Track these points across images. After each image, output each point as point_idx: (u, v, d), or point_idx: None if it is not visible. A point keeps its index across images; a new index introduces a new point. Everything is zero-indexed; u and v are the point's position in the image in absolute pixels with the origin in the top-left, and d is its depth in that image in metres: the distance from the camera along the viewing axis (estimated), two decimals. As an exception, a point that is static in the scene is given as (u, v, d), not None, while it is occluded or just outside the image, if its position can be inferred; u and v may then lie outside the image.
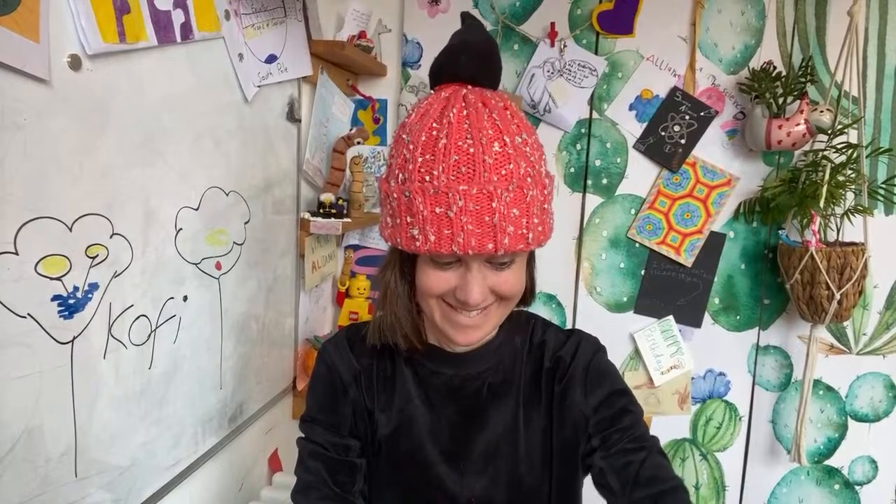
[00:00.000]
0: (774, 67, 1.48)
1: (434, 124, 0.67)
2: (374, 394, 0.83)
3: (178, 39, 0.93)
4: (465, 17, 0.75)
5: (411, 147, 0.67)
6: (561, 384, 0.81)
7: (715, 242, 1.61)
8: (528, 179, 0.66)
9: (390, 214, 0.71)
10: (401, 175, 0.68)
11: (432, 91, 0.72)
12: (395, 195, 0.68)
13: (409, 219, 0.67)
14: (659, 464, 0.74)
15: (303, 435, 0.84)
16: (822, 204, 1.37)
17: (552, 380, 0.82)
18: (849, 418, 1.61)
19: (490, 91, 0.70)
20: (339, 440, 0.81)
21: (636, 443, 0.75)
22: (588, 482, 0.82)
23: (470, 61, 0.69)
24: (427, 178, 0.65)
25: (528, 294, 0.81)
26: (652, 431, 0.82)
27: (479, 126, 0.65)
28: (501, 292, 0.71)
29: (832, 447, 1.62)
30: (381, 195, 0.73)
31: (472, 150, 0.64)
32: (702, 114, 1.57)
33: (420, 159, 0.66)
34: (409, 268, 0.75)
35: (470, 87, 0.69)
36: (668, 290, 1.64)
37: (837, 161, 1.40)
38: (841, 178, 1.39)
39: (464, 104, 0.67)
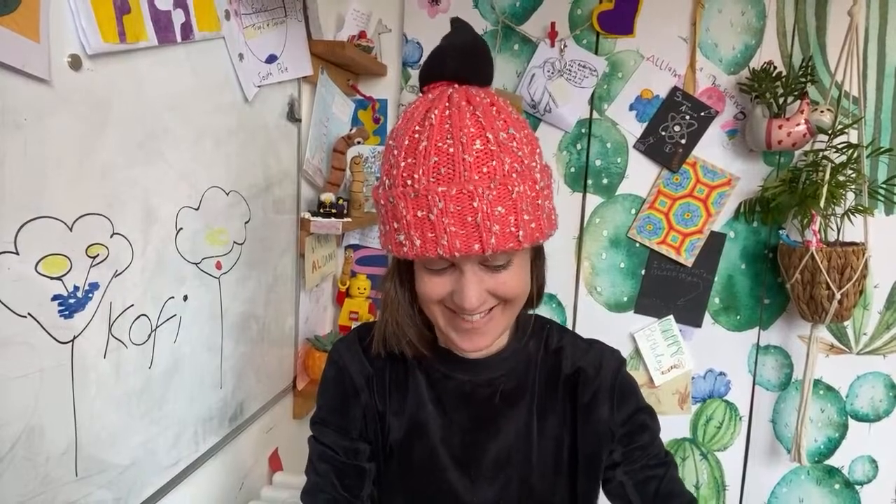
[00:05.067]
0: (775, 67, 1.48)
1: (417, 127, 0.65)
2: (387, 397, 0.82)
3: (179, 39, 0.93)
4: (454, 21, 0.74)
5: (396, 152, 0.67)
6: (586, 398, 0.80)
7: (715, 242, 1.61)
8: (514, 175, 0.64)
9: (382, 221, 0.70)
10: (387, 181, 0.68)
11: (421, 94, 0.71)
12: (382, 202, 0.68)
13: (395, 224, 0.66)
14: (676, 479, 0.80)
15: (313, 435, 0.83)
16: (822, 204, 1.37)
17: (573, 388, 0.81)
18: (849, 418, 1.61)
19: (476, 88, 0.69)
20: (348, 444, 0.80)
21: (656, 459, 0.80)
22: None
23: (454, 61, 0.68)
24: (409, 181, 0.64)
25: (536, 295, 0.78)
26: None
27: (460, 125, 0.63)
28: (501, 294, 0.70)
29: (832, 447, 1.62)
30: (374, 202, 0.72)
31: (451, 150, 0.63)
32: (702, 114, 1.57)
33: (403, 164, 0.65)
34: (408, 275, 0.75)
35: (456, 86, 0.68)
36: (668, 290, 1.64)
37: (838, 161, 1.40)
38: (841, 178, 1.39)
39: (447, 104, 0.66)
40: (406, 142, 0.66)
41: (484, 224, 0.63)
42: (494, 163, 0.63)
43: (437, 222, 0.63)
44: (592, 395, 0.80)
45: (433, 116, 0.65)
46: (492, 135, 0.64)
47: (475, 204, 0.62)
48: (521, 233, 0.65)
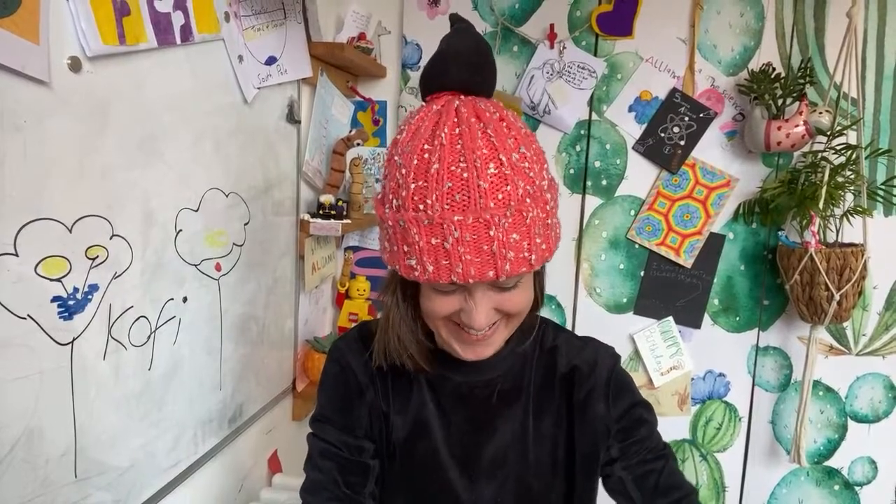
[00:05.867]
0: (773, 69, 1.48)
1: (426, 146, 0.63)
2: (391, 396, 0.82)
3: (178, 41, 0.93)
4: (454, 19, 0.72)
5: (403, 171, 0.64)
6: (581, 395, 0.80)
7: (714, 243, 1.61)
8: (528, 200, 0.63)
9: (388, 240, 0.69)
10: (395, 201, 0.65)
11: (424, 102, 0.69)
12: (390, 222, 0.66)
13: (405, 248, 0.65)
14: (675, 471, 0.80)
15: (313, 432, 0.83)
16: (821, 205, 1.37)
17: (568, 386, 0.81)
18: (848, 419, 1.61)
19: (485, 101, 0.67)
20: (353, 441, 0.80)
21: (654, 453, 0.80)
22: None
23: (459, 71, 0.66)
24: (421, 206, 0.62)
25: (538, 301, 0.79)
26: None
27: (472, 146, 0.61)
28: (507, 310, 0.70)
29: (832, 448, 1.62)
30: (377, 217, 0.71)
31: (465, 174, 0.61)
32: (701, 115, 1.57)
33: (413, 185, 0.63)
34: (410, 289, 0.74)
35: (462, 97, 0.66)
36: (667, 291, 1.64)
37: (836, 162, 1.40)
38: (840, 180, 1.39)
39: (456, 120, 0.63)
40: (415, 161, 0.63)
41: (500, 252, 0.62)
42: (509, 188, 0.62)
43: (452, 251, 0.62)
44: (588, 393, 0.80)
45: (443, 135, 0.62)
46: (505, 157, 0.62)
47: (491, 233, 0.62)
48: (533, 256, 0.65)
